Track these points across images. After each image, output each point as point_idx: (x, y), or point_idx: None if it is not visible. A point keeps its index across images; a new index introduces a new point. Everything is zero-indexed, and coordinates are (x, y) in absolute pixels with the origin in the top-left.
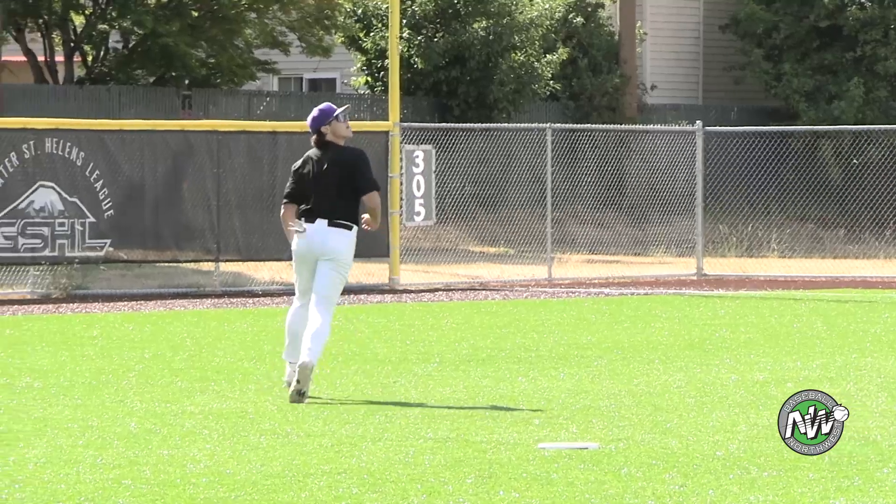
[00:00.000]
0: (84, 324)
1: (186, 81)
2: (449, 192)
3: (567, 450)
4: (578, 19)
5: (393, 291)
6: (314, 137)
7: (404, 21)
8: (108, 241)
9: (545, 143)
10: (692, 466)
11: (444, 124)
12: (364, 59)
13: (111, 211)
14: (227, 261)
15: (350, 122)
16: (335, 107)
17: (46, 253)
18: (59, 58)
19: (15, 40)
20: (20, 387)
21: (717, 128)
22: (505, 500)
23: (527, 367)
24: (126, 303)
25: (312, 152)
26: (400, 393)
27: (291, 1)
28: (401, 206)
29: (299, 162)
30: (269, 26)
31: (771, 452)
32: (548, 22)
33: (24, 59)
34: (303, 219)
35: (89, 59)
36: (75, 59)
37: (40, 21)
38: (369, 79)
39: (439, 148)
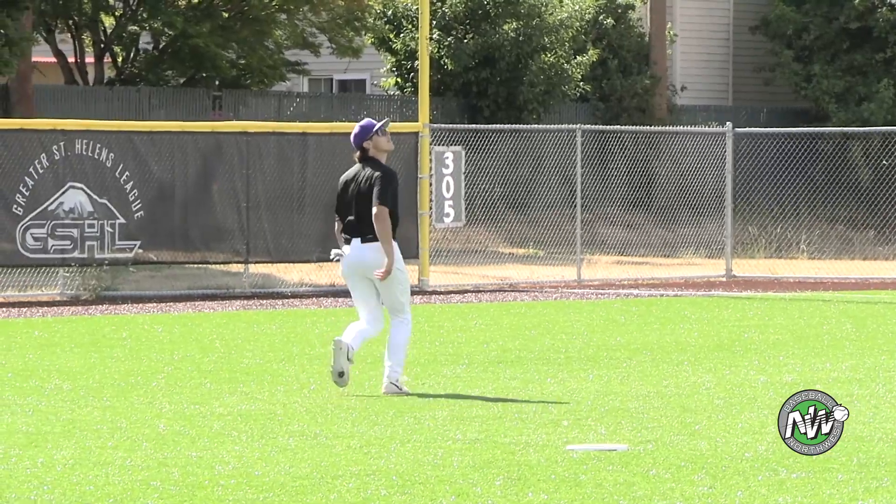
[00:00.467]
0: (113, 325)
1: (216, 82)
2: (478, 193)
3: (596, 451)
4: (608, 21)
5: (422, 293)
6: (357, 154)
7: (434, 22)
8: (138, 243)
9: (575, 144)
10: (721, 468)
11: (473, 125)
12: (394, 60)
13: (141, 212)
14: (257, 262)
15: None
16: (375, 122)
17: (76, 254)
18: (89, 59)
19: (45, 41)
20: (49, 388)
21: (747, 129)
22: (534, 502)
23: (556, 368)
24: (155, 304)
25: (355, 168)
26: (429, 394)
27: (321, 2)
28: (430, 208)
29: (343, 177)
30: (299, 27)
31: (799, 454)
32: (578, 23)
33: (54, 60)
34: (343, 236)
35: (119, 60)
36: (105, 60)
37: (70, 22)
38: (399, 80)
39: (469, 149)
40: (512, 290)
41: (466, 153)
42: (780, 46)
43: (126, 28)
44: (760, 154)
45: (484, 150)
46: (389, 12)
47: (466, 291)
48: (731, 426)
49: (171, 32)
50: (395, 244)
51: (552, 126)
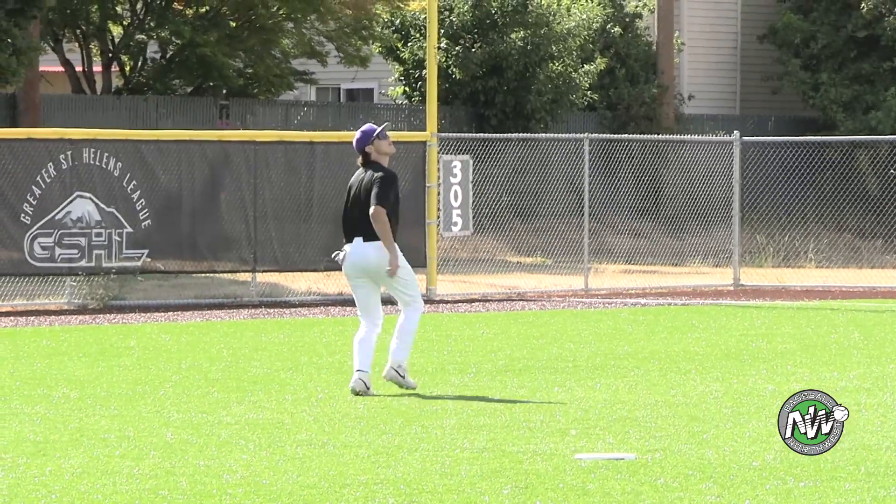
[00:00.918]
0: (121, 334)
1: (224, 91)
2: (486, 202)
3: (604, 460)
4: (616, 29)
5: (430, 302)
6: (360, 158)
7: (442, 31)
8: (145, 252)
9: (582, 153)
10: (729, 477)
11: (481, 134)
12: (402, 69)
13: (148, 221)
14: (264, 271)
15: (389, 132)
16: (375, 126)
17: (83, 263)
18: (97, 68)
19: (53, 50)
20: (57, 397)
21: (755, 138)
22: None
23: (563, 377)
24: (163, 313)
25: (358, 171)
26: (436, 403)
27: (329, 11)
28: (438, 217)
29: (350, 181)
30: (306, 36)
31: (807, 463)
32: (585, 32)
33: (61, 69)
34: (345, 239)
35: (127, 69)
36: (113, 70)
37: (78, 31)
38: (407, 89)
39: (476, 158)
40: (520, 299)
41: (474, 162)
42: (787, 55)
43: (133, 37)
44: (768, 163)
45: (492, 158)
46: (397, 21)
47: (474, 300)
48: (738, 435)
49: (178, 41)
50: (397, 247)
51: (560, 135)
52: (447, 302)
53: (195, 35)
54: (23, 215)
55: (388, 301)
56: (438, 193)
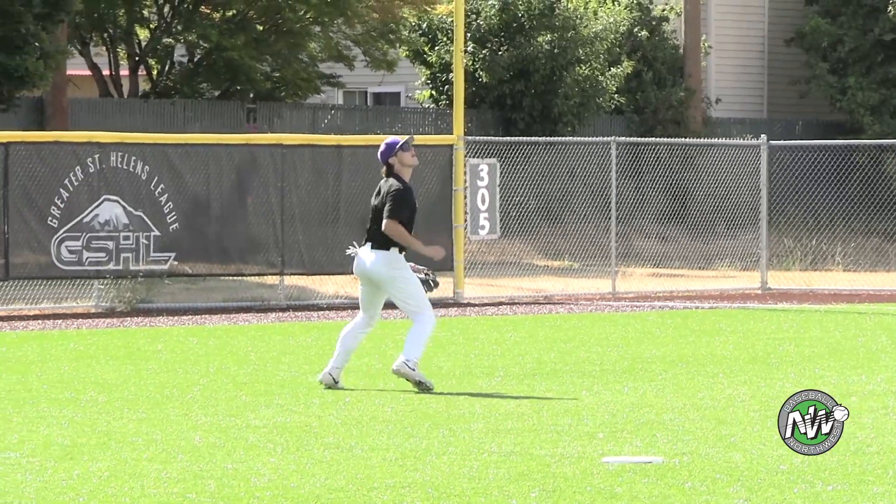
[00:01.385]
0: (148, 337)
1: (251, 95)
2: (513, 205)
3: (631, 464)
4: (643, 33)
5: (457, 305)
6: (383, 169)
7: (469, 35)
8: (173, 255)
9: (610, 156)
10: (756, 480)
11: (508, 138)
12: (428, 72)
13: (176, 224)
14: (292, 274)
15: (416, 137)
16: (399, 139)
17: (111, 266)
18: (124, 71)
19: (80, 54)
20: (85, 400)
21: (782, 141)
22: None
23: (591, 380)
24: (190, 316)
25: (381, 181)
26: (464, 406)
27: (356, 15)
28: (465, 220)
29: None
30: (333, 40)
31: (835, 466)
32: (612, 35)
33: (89, 72)
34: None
35: (154, 72)
36: (140, 73)
37: (105, 35)
38: (434, 92)
39: (504, 161)
40: (547, 303)
41: (501, 165)
42: (815, 59)
43: (161, 41)
44: (795, 166)
45: (519, 162)
46: (424, 25)
47: (501, 304)
48: (766, 438)
49: (205, 45)
50: (400, 255)
51: (587, 138)
52: (474, 305)
53: (222, 39)
54: (50, 219)
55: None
56: (465, 197)
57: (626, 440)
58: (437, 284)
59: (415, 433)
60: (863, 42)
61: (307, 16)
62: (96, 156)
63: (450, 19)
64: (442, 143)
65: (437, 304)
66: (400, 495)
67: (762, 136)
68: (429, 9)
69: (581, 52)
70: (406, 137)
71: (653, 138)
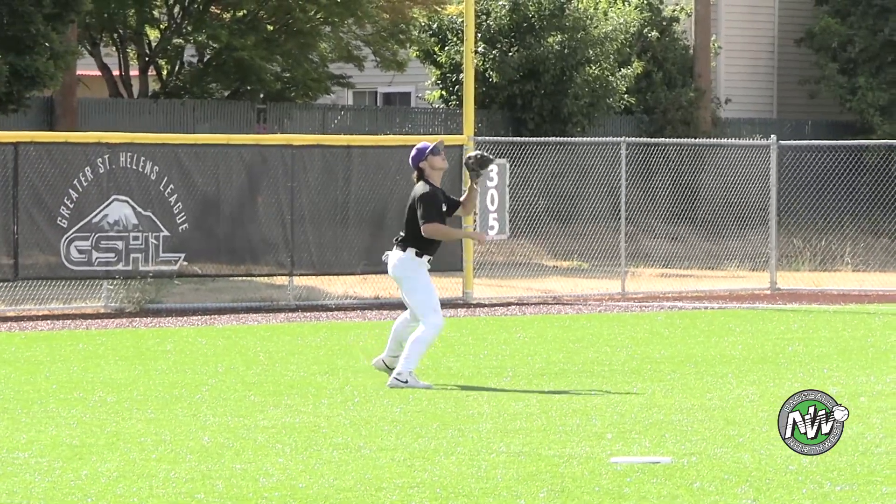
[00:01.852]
0: (157, 338)
1: (261, 95)
2: (523, 205)
3: (639, 464)
4: (653, 33)
5: (466, 305)
6: (414, 174)
7: (479, 35)
8: (182, 255)
9: (619, 156)
10: (765, 481)
11: (518, 138)
12: (438, 73)
13: (185, 225)
14: (301, 275)
15: (424, 137)
16: (429, 143)
17: (120, 267)
18: (134, 72)
19: (90, 54)
20: (94, 401)
21: (792, 142)
22: None
23: (600, 381)
24: (199, 317)
25: (414, 185)
26: (473, 407)
27: (366, 15)
28: (475, 221)
29: None
30: (343, 40)
31: (844, 467)
32: (622, 36)
33: (98, 73)
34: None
35: (164, 73)
36: (150, 74)
37: (115, 35)
38: (444, 93)
39: (513, 162)
40: (556, 303)
41: (511, 166)
42: (824, 59)
43: (171, 41)
44: (805, 166)
45: (528, 162)
46: (434, 25)
47: (510, 304)
48: (775, 439)
49: (215, 45)
50: (417, 258)
51: (597, 139)
52: (484, 306)
53: (232, 39)
54: (60, 219)
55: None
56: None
57: (635, 440)
58: (488, 161)
59: (423, 433)
60: (873, 42)
61: (317, 16)
62: (106, 156)
63: (460, 19)
64: (452, 144)
65: (447, 304)
66: (408, 496)
67: (772, 136)
68: (439, 9)
69: (591, 52)
70: (436, 141)
71: (662, 138)
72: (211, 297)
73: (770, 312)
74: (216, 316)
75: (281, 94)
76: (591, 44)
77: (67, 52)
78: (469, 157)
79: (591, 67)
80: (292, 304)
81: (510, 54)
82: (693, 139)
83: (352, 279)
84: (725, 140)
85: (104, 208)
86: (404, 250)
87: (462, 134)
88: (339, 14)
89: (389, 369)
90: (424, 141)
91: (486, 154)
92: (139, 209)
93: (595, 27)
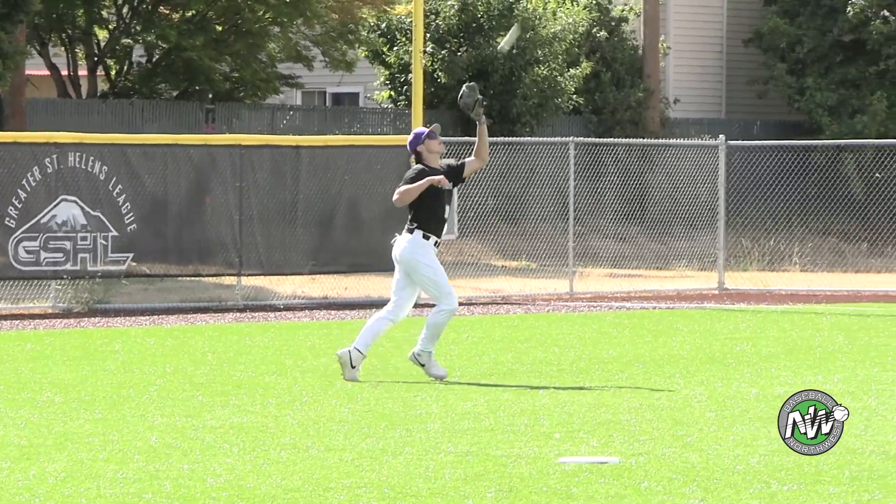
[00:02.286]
0: (105, 338)
1: (210, 95)
2: (471, 206)
3: (587, 464)
4: (602, 33)
5: (414, 305)
6: (412, 157)
7: (428, 35)
8: (131, 255)
9: (568, 157)
10: (712, 481)
11: (467, 138)
12: (387, 73)
13: (134, 225)
14: (249, 275)
15: (374, 137)
16: (424, 129)
17: (68, 267)
18: (83, 72)
19: (39, 54)
20: (41, 401)
21: (740, 142)
22: None
23: (548, 381)
24: (147, 317)
25: None
26: (420, 407)
27: (315, 15)
28: None
29: None
30: (292, 40)
31: (791, 466)
32: (571, 36)
33: (47, 73)
34: None
35: (113, 73)
36: (98, 74)
37: (64, 35)
38: (392, 93)
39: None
40: (504, 303)
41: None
42: (773, 59)
43: (119, 41)
44: (753, 167)
45: None
46: (383, 25)
47: (459, 304)
48: (722, 439)
49: (164, 45)
50: (423, 240)
51: (545, 139)
52: (431, 305)
53: (181, 39)
54: (7, 219)
55: (371, 305)
56: None
57: (583, 440)
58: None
59: (371, 433)
60: (821, 42)
61: (266, 16)
62: (54, 156)
63: (409, 20)
64: (401, 144)
65: None
66: (356, 496)
67: (720, 136)
68: (388, 9)
69: (540, 52)
70: (432, 127)
71: (611, 139)
72: (159, 298)
73: (718, 312)
74: (164, 316)
75: (230, 94)
76: (540, 44)
77: (16, 52)
78: (461, 102)
79: (539, 68)
80: (240, 305)
81: (459, 54)
82: (641, 139)
83: (300, 279)
84: (674, 140)
85: (52, 208)
86: (410, 233)
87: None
88: (287, 14)
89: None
90: (420, 126)
91: (465, 97)
92: (87, 209)
93: (544, 27)
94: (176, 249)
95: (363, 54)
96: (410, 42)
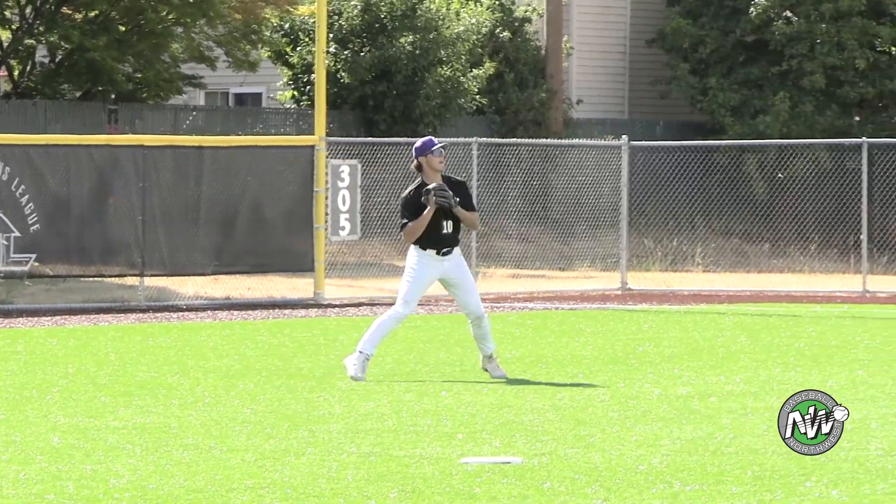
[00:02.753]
0: (8, 339)
1: (113, 96)
2: (374, 206)
3: (490, 464)
4: (505, 34)
5: (318, 306)
6: (414, 163)
7: (331, 35)
8: (33, 256)
9: (471, 157)
10: (615, 481)
11: (369, 139)
12: (290, 73)
13: (36, 225)
14: (152, 275)
15: (277, 138)
16: (436, 141)
17: None
18: None
19: None
20: None
21: (643, 142)
22: None
23: (450, 381)
24: (50, 318)
25: None
26: (323, 407)
27: (218, 16)
28: (326, 221)
29: None
30: (195, 41)
31: (694, 466)
32: (474, 36)
33: None
34: None
35: (15, 73)
36: (1, 74)
37: None
38: (295, 93)
39: (365, 162)
40: None
41: (363, 166)
42: (676, 60)
43: (22, 41)
44: (656, 167)
45: (380, 163)
46: (286, 26)
47: (362, 304)
48: (625, 439)
49: (67, 46)
50: (421, 251)
51: (448, 139)
52: (335, 306)
53: (84, 39)
54: None
55: (274, 305)
56: (326, 198)
57: (486, 441)
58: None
59: (274, 434)
60: (724, 43)
61: (169, 16)
62: None
63: (312, 20)
64: (303, 144)
65: (298, 304)
66: (259, 496)
67: (623, 136)
68: (291, 9)
69: (443, 53)
70: (440, 143)
71: (514, 139)
72: (62, 298)
73: (621, 313)
74: (67, 317)
75: (132, 94)
76: (443, 44)
77: None
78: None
79: (442, 68)
80: (143, 305)
81: (362, 55)
82: (545, 140)
83: (203, 280)
84: (577, 140)
85: None
86: (411, 245)
87: (314, 134)
88: (191, 15)
89: (485, 370)
90: (431, 137)
91: (441, 199)
92: None
93: (447, 28)
94: (79, 250)
95: (266, 54)
96: (313, 42)
